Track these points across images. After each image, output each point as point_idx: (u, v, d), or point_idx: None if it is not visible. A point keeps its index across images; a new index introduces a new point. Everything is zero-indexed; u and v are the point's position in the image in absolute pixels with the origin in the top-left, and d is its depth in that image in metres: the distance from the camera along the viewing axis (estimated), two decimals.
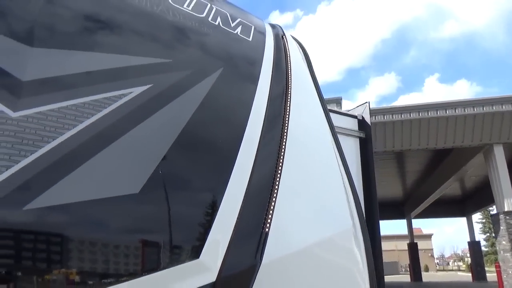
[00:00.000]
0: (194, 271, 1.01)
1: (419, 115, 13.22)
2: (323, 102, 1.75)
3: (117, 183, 0.96)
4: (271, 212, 1.21)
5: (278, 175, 1.28)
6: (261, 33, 1.76)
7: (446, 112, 13.09)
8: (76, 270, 0.88)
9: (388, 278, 35.19)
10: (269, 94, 1.48)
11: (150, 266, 0.96)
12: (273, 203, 1.22)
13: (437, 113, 13.11)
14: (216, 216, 1.09)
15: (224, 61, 1.44)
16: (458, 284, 24.16)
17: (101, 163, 0.94)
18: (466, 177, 19.47)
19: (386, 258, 53.64)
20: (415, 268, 27.35)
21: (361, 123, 2.68)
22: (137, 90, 1.09)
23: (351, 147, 2.57)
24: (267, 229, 1.18)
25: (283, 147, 1.36)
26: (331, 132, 1.64)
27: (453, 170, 16.75)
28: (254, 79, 1.48)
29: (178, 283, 0.98)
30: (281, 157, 1.33)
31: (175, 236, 1.03)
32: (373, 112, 13.68)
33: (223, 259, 1.06)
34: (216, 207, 1.10)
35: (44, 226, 0.86)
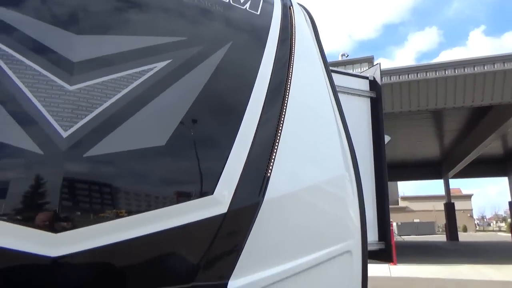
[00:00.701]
0: (209, 204, 1.32)
1: (454, 72, 12.80)
2: (326, 65, 1.96)
3: (148, 137, 1.26)
4: (273, 160, 1.49)
5: (280, 129, 1.55)
6: (269, 6, 1.96)
7: (484, 68, 12.59)
8: (119, 201, 1.21)
9: (424, 238, 35.23)
10: (274, 61, 1.71)
11: (175, 199, 1.28)
12: (274, 152, 1.50)
13: (474, 69, 12.64)
14: (227, 162, 1.38)
15: (233, 35, 1.68)
16: (493, 243, 23.90)
17: (136, 122, 1.25)
18: (507, 135, 18.80)
19: (423, 218, 53.27)
20: (451, 228, 27.20)
21: (373, 84, 2.84)
22: (160, 65, 1.38)
23: (362, 107, 2.77)
24: (269, 174, 1.46)
25: (285, 105, 1.62)
26: (332, 92, 1.87)
27: (493, 128, 16.22)
28: (260, 49, 1.72)
29: (197, 212, 1.29)
30: (283, 114, 1.59)
31: (194, 177, 1.34)
32: (405, 71, 13.36)
33: (233, 196, 1.36)
34: (227, 155, 1.39)
35: (97, 169, 1.19)
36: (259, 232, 1.39)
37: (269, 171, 1.46)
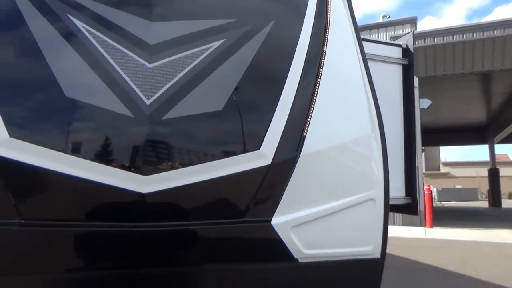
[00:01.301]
0: (257, 157, 1.65)
1: (504, 31, 12.16)
2: (357, 33, 2.17)
3: (209, 104, 1.60)
4: (308, 122, 1.79)
5: (315, 95, 1.83)
6: None
7: None
8: (189, 153, 1.57)
9: (466, 204, 34.57)
10: (311, 32, 1.96)
11: (231, 153, 1.62)
12: (310, 115, 1.80)
13: None
14: (271, 123, 1.70)
15: (276, 12, 1.94)
16: None
17: (199, 92, 1.58)
18: None
19: (465, 184, 51.87)
20: (494, 194, 26.51)
21: (405, 51, 3.00)
22: (216, 44, 1.69)
23: (394, 73, 2.96)
24: (305, 134, 1.77)
25: (320, 73, 1.89)
26: (362, 60, 2.10)
27: None
28: (300, 22, 1.96)
29: (247, 163, 1.63)
30: (318, 81, 1.87)
31: (245, 136, 1.68)
32: (449, 31, 12.81)
33: (275, 151, 1.69)
34: (271, 117, 1.70)
35: (172, 128, 1.55)
36: (296, 181, 1.72)
37: (305, 131, 1.77)
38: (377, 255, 1.91)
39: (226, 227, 1.63)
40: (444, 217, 16.93)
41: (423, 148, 31.57)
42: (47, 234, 1.40)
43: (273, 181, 1.69)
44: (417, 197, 2.84)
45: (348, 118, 1.92)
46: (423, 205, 13.11)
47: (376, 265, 1.91)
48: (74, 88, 1.47)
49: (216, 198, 1.62)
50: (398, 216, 13.48)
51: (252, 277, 1.71)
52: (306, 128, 1.77)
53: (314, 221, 1.77)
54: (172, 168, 1.51)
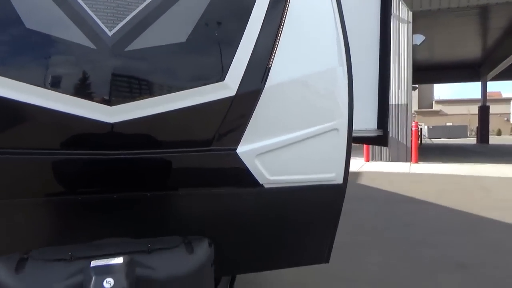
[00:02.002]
0: (221, 88, 1.71)
1: None
2: None
3: (173, 35, 1.62)
4: (274, 53, 1.82)
5: (282, 27, 1.85)
6: None
7: None
8: (153, 84, 1.63)
9: (455, 141, 35.35)
10: None
11: (195, 83, 1.67)
12: (276, 47, 1.83)
13: None
14: (235, 55, 1.73)
15: None
16: None
17: (163, 23, 1.60)
18: None
19: (456, 122, 52.61)
20: (482, 131, 27.04)
21: None
22: None
23: (371, 5, 2.93)
24: (270, 65, 1.81)
25: (287, 5, 1.89)
26: None
27: None
28: None
29: (212, 94, 1.69)
30: (285, 13, 1.87)
31: (209, 67, 1.72)
32: None
33: (240, 83, 1.74)
34: (236, 49, 1.73)
35: (136, 60, 1.58)
36: (261, 112, 1.80)
37: (270, 63, 1.81)
38: (340, 181, 2.05)
39: (193, 155, 1.73)
40: (430, 153, 17.42)
41: (415, 85, 31.52)
42: (20, 161, 1.49)
43: (238, 112, 1.77)
44: (388, 129, 2.94)
45: (315, 50, 1.95)
46: (410, 141, 13.43)
47: (338, 190, 2.06)
48: (35, 20, 1.48)
49: (182, 128, 1.70)
50: (385, 152, 13.86)
51: (220, 201, 1.84)
52: (271, 60, 1.81)
53: (278, 149, 1.87)
54: (137, 98, 1.57)
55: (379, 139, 2.98)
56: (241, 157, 1.80)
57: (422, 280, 3.53)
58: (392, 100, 13.56)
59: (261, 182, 1.87)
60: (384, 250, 4.39)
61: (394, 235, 5.00)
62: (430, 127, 45.58)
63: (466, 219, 5.84)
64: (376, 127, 2.98)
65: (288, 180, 1.94)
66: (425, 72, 27.73)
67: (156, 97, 1.61)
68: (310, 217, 2.06)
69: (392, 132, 13.74)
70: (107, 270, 1.04)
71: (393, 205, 6.81)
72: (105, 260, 1.12)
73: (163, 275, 1.27)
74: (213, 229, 1.85)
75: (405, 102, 13.49)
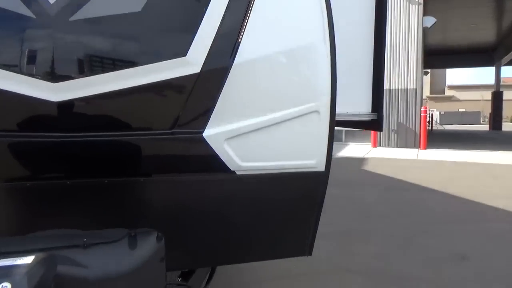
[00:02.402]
0: (183, 64, 1.53)
1: None
2: None
3: (125, 3, 1.44)
4: (244, 27, 1.63)
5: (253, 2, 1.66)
6: None
7: None
8: (103, 58, 1.45)
9: (467, 127, 34.68)
10: None
11: (153, 58, 1.50)
12: (246, 20, 1.64)
13: None
14: (200, 28, 1.55)
15: None
16: None
17: None
18: None
19: (469, 108, 51.53)
20: (495, 117, 26.41)
21: None
22: None
23: None
24: (240, 40, 1.62)
25: None
26: None
27: None
28: None
29: (172, 71, 1.52)
30: None
31: (169, 41, 1.54)
32: None
33: (205, 58, 1.56)
34: (200, 21, 1.55)
35: (82, 31, 1.41)
36: (230, 91, 1.62)
37: (241, 36, 1.62)
38: (321, 168, 1.87)
39: (153, 139, 1.57)
40: (440, 139, 17.05)
41: (427, 70, 30.80)
42: None
43: (203, 91, 1.59)
44: (383, 113, 2.74)
45: (293, 23, 1.75)
46: (418, 127, 13.11)
47: (319, 179, 1.88)
48: None
49: (139, 109, 1.54)
50: (393, 138, 13.57)
51: (185, 189, 1.69)
52: (242, 34, 1.62)
53: (251, 133, 1.70)
54: (85, 75, 1.41)
55: (372, 124, 2.78)
56: (208, 141, 1.63)
57: (420, 272, 3.36)
58: (401, 85, 13.19)
59: (232, 169, 1.71)
60: (383, 239, 4.23)
61: (395, 223, 4.83)
62: (442, 113, 44.74)
63: (472, 207, 5.63)
64: (370, 110, 2.77)
65: (262, 167, 1.77)
66: (438, 57, 27.01)
67: (107, 74, 1.44)
68: (288, 207, 1.89)
69: (401, 117, 13.41)
70: (6, 273, 0.90)
71: (398, 192, 6.61)
72: (10, 259, 0.98)
73: (96, 273, 1.12)
74: (177, 219, 1.70)
75: (414, 87, 13.11)
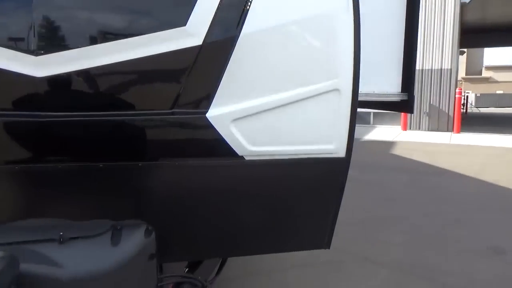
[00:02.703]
0: (182, 35, 1.35)
1: None
2: None
3: None
4: None
5: None
6: None
7: None
8: (93, 28, 1.29)
9: (505, 110, 33.02)
10: None
11: (146, 28, 1.32)
12: None
13: None
14: None
15: None
16: None
17: None
18: None
19: (508, 90, 48.98)
20: None
21: None
22: None
23: None
24: (248, 6, 1.42)
25: None
26: None
27: None
28: None
29: (169, 42, 1.34)
30: None
31: (166, 8, 1.36)
32: None
33: (208, 28, 1.37)
34: None
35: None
36: (237, 66, 1.43)
37: (249, 4, 1.42)
38: (341, 154, 1.67)
39: (151, 120, 1.41)
40: (475, 123, 16.25)
41: (463, 50, 29.30)
42: None
43: (206, 66, 1.41)
44: (414, 93, 2.47)
45: None
46: (452, 110, 12.49)
47: (339, 165, 1.68)
48: None
49: (133, 86, 1.38)
50: (425, 121, 13.01)
51: (188, 175, 1.53)
52: (250, 0, 1.42)
53: (261, 113, 1.51)
54: (71, 47, 1.25)
55: (403, 105, 2.53)
56: (212, 122, 1.45)
57: (451, 267, 3.12)
58: (435, 65, 12.52)
59: (239, 154, 1.53)
60: (412, 228, 3.99)
61: (425, 211, 4.56)
62: (478, 95, 42.75)
63: (509, 196, 5.26)
64: (399, 90, 2.51)
65: (274, 152, 1.58)
66: (475, 35, 25.51)
67: (96, 45, 1.28)
68: (303, 197, 1.71)
69: (433, 99, 12.78)
70: None
71: (428, 178, 6.28)
72: None
73: (71, 273, 0.98)
74: (179, 208, 1.55)
75: (449, 67, 12.40)
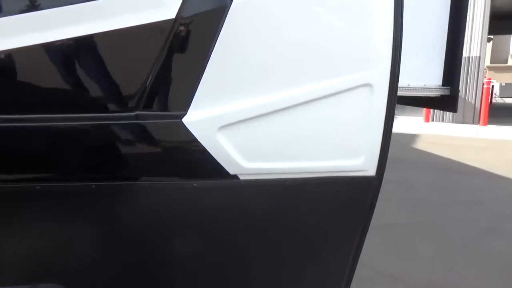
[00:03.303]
0: (150, 5, 0.93)
1: None
2: None
3: None
4: None
5: None
6: None
7: None
8: None
9: None
10: None
11: None
12: None
13: None
14: None
15: None
16: None
17: None
18: None
19: None
20: None
21: None
22: None
23: None
24: None
25: None
26: None
27: None
28: None
29: (129, 15, 0.92)
30: None
31: None
32: None
33: None
34: None
35: None
36: (228, 50, 1.00)
37: None
38: (370, 171, 1.23)
39: (104, 126, 1.00)
40: (502, 114, 15.45)
41: (490, 36, 28.02)
42: None
43: (183, 49, 0.99)
44: (459, 87, 2.00)
45: None
46: (479, 101, 11.79)
47: (367, 186, 1.25)
48: None
49: (75, 77, 0.96)
50: (449, 112, 12.33)
51: (160, 201, 1.12)
52: None
53: (259, 118, 1.08)
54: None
55: (444, 101, 2.06)
56: (191, 130, 1.04)
57: (488, 286, 2.66)
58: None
59: (231, 172, 1.11)
60: (441, 238, 3.52)
61: (455, 216, 4.08)
62: (503, 84, 41.15)
63: None
64: (440, 83, 2.05)
65: (279, 170, 1.16)
66: (502, 21, 24.28)
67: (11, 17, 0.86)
68: (317, 228, 1.28)
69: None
70: None
71: (456, 176, 5.76)
72: None
73: None
74: (147, 245, 1.14)
75: (477, 55, 11.63)
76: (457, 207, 4.40)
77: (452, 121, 12.33)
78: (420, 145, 8.49)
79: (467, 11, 2.00)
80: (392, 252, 3.24)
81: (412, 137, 9.47)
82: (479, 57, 11.73)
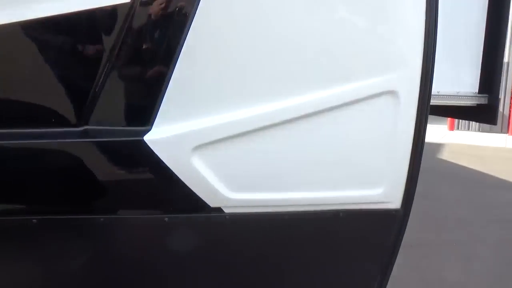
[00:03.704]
0: None
1: None
2: None
3: None
4: None
5: None
6: None
7: None
8: None
9: None
10: None
11: None
12: None
13: None
14: None
15: None
16: None
17: None
18: None
19: None
20: None
21: None
22: None
23: None
24: None
25: None
26: None
27: None
28: None
29: None
30: None
31: None
32: None
33: None
34: None
35: None
36: (203, 44, 0.76)
37: None
38: (395, 204, 0.96)
39: (45, 144, 0.76)
40: None
41: None
42: None
43: (143, 43, 0.75)
44: (499, 96, 1.70)
45: None
46: (507, 109, 11.25)
47: (391, 221, 0.98)
48: None
49: (10, 82, 0.73)
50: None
51: (125, 237, 0.87)
52: None
53: (248, 136, 0.83)
54: None
55: (480, 111, 1.77)
56: (155, 150, 0.79)
57: None
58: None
59: (212, 205, 0.86)
60: (471, 260, 3.18)
61: (486, 236, 3.72)
62: None
63: None
64: (476, 91, 1.75)
65: (274, 202, 0.90)
66: None
67: None
68: (325, 273, 1.01)
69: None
70: None
71: (485, 190, 5.38)
72: None
73: None
74: None
75: (507, 60, 11.13)
76: (488, 226, 4.03)
77: (479, 130, 11.80)
78: (445, 155, 8.08)
79: (509, 6, 1.70)
80: (415, 278, 2.92)
81: (437, 146, 9.04)
82: (508, 62, 11.24)
